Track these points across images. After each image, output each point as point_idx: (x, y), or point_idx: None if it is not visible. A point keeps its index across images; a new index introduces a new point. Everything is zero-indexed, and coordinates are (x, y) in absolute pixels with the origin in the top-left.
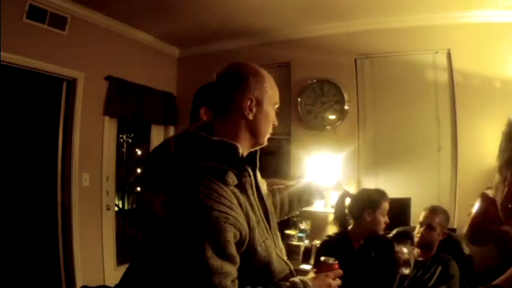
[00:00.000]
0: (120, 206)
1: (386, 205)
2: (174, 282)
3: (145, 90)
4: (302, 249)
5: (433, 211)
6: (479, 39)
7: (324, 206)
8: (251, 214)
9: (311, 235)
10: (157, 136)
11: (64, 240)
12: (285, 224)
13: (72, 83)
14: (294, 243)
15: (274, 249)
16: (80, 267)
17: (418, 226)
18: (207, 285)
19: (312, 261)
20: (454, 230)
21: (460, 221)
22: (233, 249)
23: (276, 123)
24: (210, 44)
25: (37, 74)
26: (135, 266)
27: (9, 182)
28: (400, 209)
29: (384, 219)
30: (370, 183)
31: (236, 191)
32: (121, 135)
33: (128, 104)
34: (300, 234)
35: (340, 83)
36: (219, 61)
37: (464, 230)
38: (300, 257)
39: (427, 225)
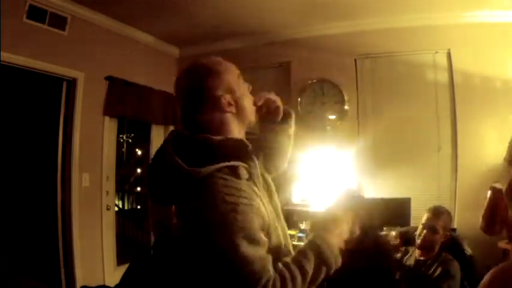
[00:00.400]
0: (120, 206)
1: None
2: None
3: (145, 90)
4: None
5: (437, 214)
6: (479, 39)
7: (325, 206)
8: (263, 201)
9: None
10: (157, 136)
11: (64, 240)
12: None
13: (72, 83)
14: (294, 243)
15: (283, 238)
16: (80, 267)
17: (420, 227)
18: (251, 273)
19: None
20: (454, 230)
21: (460, 220)
22: (262, 235)
23: (251, 96)
24: (210, 44)
25: (37, 74)
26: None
27: (9, 182)
28: (400, 209)
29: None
30: (370, 183)
31: (249, 183)
32: (121, 135)
33: (128, 104)
34: (300, 234)
35: (340, 83)
36: None
37: (480, 222)
38: None
39: (430, 228)
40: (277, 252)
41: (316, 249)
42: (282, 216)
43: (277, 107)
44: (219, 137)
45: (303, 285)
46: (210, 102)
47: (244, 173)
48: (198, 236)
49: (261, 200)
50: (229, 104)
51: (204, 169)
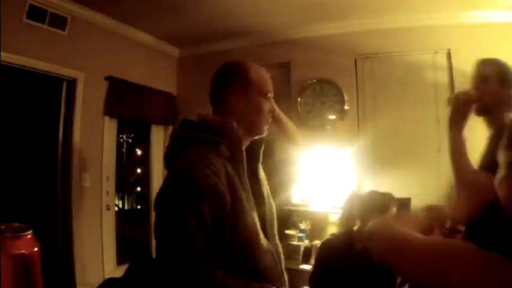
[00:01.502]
0: (120, 206)
1: (394, 210)
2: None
3: (146, 90)
4: (302, 249)
5: (430, 210)
6: (479, 39)
7: (324, 206)
8: (240, 188)
9: (311, 235)
10: (157, 136)
11: (64, 240)
12: (285, 224)
13: (72, 83)
14: (294, 243)
15: (259, 232)
16: (80, 267)
17: None
18: (183, 246)
19: (312, 261)
20: None
21: None
22: (206, 215)
23: (275, 111)
24: (210, 44)
25: (37, 74)
26: None
27: (9, 182)
28: (400, 209)
29: None
30: (370, 183)
31: (227, 163)
32: (121, 135)
33: (128, 104)
34: (300, 234)
35: (340, 83)
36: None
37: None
38: (300, 257)
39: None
40: (242, 247)
41: None
42: (272, 219)
43: None
44: (214, 117)
45: None
46: (225, 88)
47: (225, 152)
48: (160, 193)
49: (233, 182)
50: (236, 102)
51: (193, 134)
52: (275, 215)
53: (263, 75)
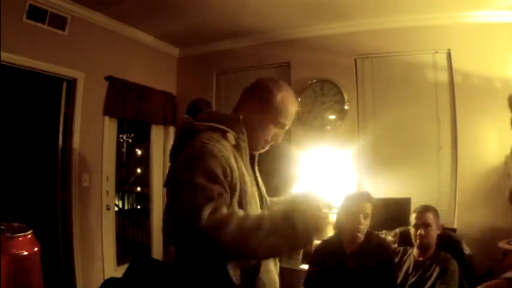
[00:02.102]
0: (120, 206)
1: (361, 205)
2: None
3: (146, 90)
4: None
5: (423, 210)
6: (479, 39)
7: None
8: (245, 172)
9: None
10: (157, 136)
11: (64, 240)
12: None
13: (72, 83)
14: None
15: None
16: (80, 267)
17: (413, 230)
18: (196, 198)
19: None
20: (454, 230)
21: (460, 220)
22: (222, 177)
23: (272, 141)
24: (210, 44)
25: (37, 74)
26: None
27: (9, 182)
28: (400, 209)
29: (356, 220)
30: (370, 183)
31: (234, 149)
32: (121, 135)
33: (128, 104)
34: None
35: (340, 83)
36: (219, 61)
37: (506, 194)
38: (300, 257)
39: (422, 224)
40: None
41: (287, 218)
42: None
43: None
44: (221, 112)
45: (250, 240)
46: (253, 95)
47: (232, 139)
48: (174, 171)
49: (240, 166)
50: (252, 111)
51: (201, 123)
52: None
53: (288, 108)
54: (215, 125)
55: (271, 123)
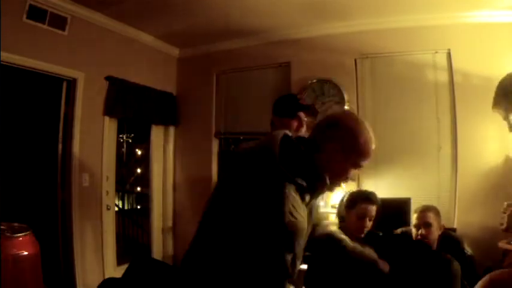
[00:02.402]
0: (120, 206)
1: (365, 207)
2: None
3: (146, 90)
4: None
5: (424, 210)
6: (479, 39)
7: (324, 206)
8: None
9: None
10: (157, 136)
11: (64, 240)
12: None
13: (72, 83)
14: None
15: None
16: (80, 267)
17: (414, 230)
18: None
19: None
20: (454, 230)
21: (460, 220)
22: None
23: (346, 180)
24: (210, 44)
25: (37, 74)
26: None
27: (9, 182)
28: (400, 209)
29: (360, 221)
30: (370, 183)
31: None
32: (121, 135)
33: (128, 104)
34: None
35: (340, 83)
36: (219, 61)
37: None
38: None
39: (423, 223)
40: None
41: None
42: None
43: None
44: (316, 162)
45: None
46: (335, 136)
47: (306, 199)
48: (253, 225)
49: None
50: (335, 151)
51: (289, 174)
52: None
53: (368, 150)
54: (299, 181)
55: (352, 165)
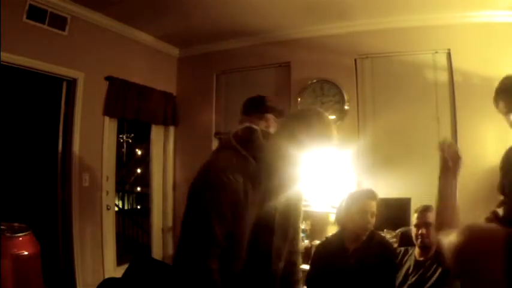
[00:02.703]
0: (120, 206)
1: (365, 202)
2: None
3: (146, 90)
4: (302, 249)
5: (425, 210)
6: (479, 39)
7: (324, 206)
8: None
9: (311, 235)
10: (157, 136)
11: (64, 240)
12: None
13: (72, 83)
14: None
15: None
16: (80, 267)
17: (414, 229)
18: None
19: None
20: None
21: (460, 220)
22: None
23: None
24: (210, 44)
25: (37, 74)
26: None
27: (9, 182)
28: (400, 209)
29: (362, 217)
30: (370, 183)
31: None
32: (121, 135)
33: (128, 104)
34: (300, 234)
35: (340, 83)
36: (219, 61)
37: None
38: (300, 257)
39: (424, 224)
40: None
41: None
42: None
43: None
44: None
45: None
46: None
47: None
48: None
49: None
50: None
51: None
52: None
53: (326, 138)
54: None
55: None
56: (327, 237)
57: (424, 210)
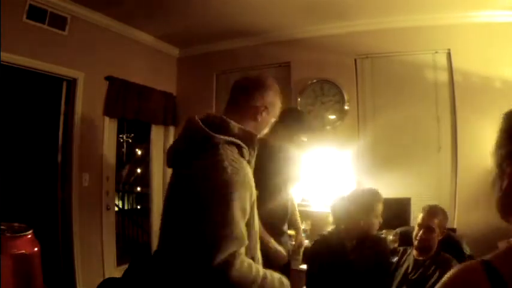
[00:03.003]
0: (120, 206)
1: (380, 206)
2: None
3: (146, 90)
4: (302, 249)
5: (432, 213)
6: (479, 39)
7: (324, 206)
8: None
9: (311, 235)
10: (157, 136)
11: (64, 240)
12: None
13: (72, 83)
14: (294, 243)
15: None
16: (80, 267)
17: (416, 228)
18: (231, 234)
19: None
20: (454, 230)
21: (460, 220)
22: (248, 207)
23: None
24: (210, 44)
25: (37, 74)
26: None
27: (9, 182)
28: (400, 209)
29: (377, 221)
30: (370, 183)
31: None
32: (121, 135)
33: (128, 104)
34: None
35: (340, 83)
36: (219, 61)
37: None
38: (300, 257)
39: (426, 227)
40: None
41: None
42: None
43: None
44: (238, 125)
45: None
46: (258, 98)
47: (246, 155)
48: (202, 186)
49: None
50: (260, 113)
51: (219, 136)
52: None
53: (280, 101)
54: (234, 140)
55: (274, 116)
56: (321, 235)
57: (430, 214)
